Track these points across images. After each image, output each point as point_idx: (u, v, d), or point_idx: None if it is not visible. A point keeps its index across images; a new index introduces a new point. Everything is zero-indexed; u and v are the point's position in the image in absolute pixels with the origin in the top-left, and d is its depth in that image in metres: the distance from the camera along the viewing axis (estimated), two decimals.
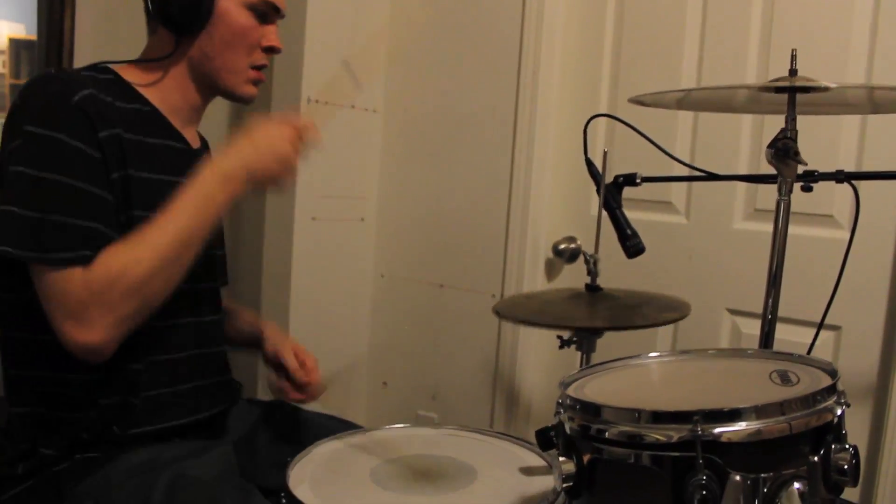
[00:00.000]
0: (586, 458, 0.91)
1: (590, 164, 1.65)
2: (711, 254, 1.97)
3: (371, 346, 2.45)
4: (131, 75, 1.29)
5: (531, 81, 2.12)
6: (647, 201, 1.99)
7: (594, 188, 2.20)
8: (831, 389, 0.88)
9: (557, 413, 0.95)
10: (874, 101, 1.46)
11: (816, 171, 1.43)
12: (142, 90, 1.29)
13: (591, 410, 0.91)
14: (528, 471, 1.32)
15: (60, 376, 1.21)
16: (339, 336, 2.31)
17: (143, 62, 1.31)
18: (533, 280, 2.17)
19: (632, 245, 1.61)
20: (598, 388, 1.02)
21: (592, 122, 1.59)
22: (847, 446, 0.86)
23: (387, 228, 2.42)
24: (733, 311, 1.96)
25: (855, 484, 0.86)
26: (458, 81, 2.26)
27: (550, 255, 2.17)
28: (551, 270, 2.21)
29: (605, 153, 1.54)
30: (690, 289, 1.84)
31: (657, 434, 0.84)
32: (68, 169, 1.12)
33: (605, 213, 1.59)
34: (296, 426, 1.50)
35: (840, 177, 1.45)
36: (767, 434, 0.83)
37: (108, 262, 1.10)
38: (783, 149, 1.21)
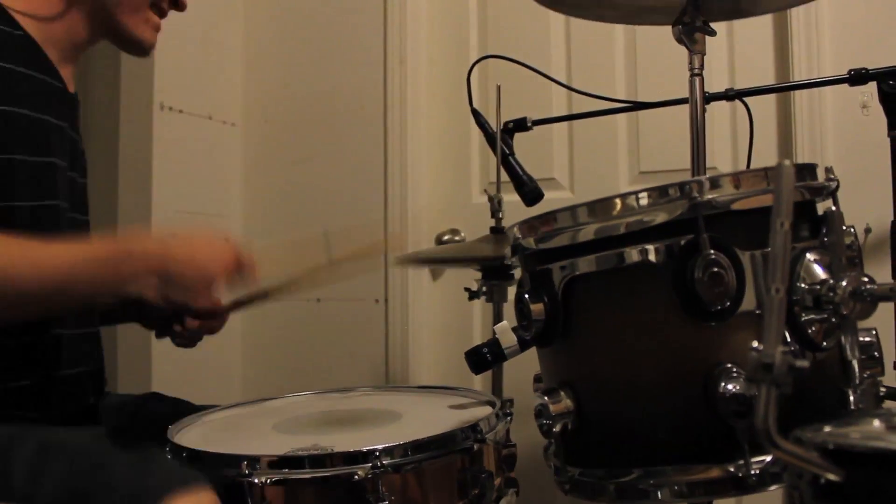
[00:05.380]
0: (558, 285, 0.75)
1: (476, 114, 1.55)
2: None
3: (244, 377, 2.18)
4: None
5: (398, 70, 2.03)
6: None
7: (472, 176, 2.13)
8: (811, 168, 0.79)
9: (515, 241, 0.79)
10: None
11: (707, 92, 1.41)
12: (13, 13, 1.07)
13: (554, 219, 0.75)
14: (458, 406, 1.14)
15: None
16: (208, 366, 2.04)
17: None
18: (418, 278, 2.01)
19: (529, 190, 1.50)
20: None
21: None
22: (845, 227, 0.75)
23: (253, 247, 2.20)
24: None
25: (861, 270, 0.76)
26: (321, 82, 2.13)
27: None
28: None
29: (498, 88, 1.45)
30: None
31: (647, 217, 0.70)
32: None
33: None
34: (178, 414, 1.24)
35: (730, 94, 1.44)
36: (759, 203, 0.71)
37: None
38: (689, 21, 1.16)
